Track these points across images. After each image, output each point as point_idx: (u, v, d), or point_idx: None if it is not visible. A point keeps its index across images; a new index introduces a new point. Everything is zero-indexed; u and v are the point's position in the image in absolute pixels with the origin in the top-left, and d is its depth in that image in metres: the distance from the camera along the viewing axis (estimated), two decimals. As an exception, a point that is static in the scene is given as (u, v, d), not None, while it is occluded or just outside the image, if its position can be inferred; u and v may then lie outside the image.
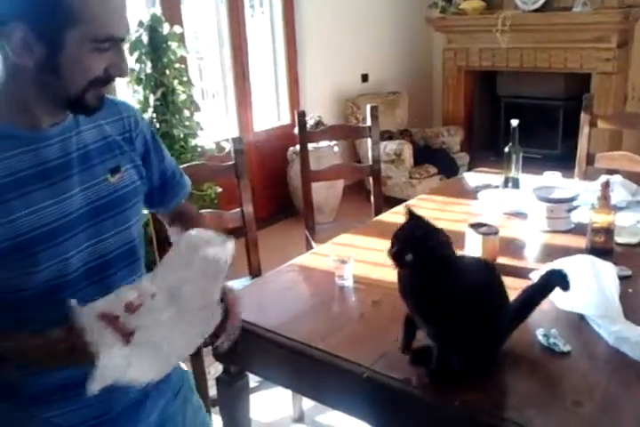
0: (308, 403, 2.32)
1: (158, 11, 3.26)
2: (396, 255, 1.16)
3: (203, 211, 2.14)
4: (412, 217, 1.20)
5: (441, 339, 1.20)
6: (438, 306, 1.17)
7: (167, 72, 3.17)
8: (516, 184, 2.35)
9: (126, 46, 3.15)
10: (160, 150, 1.23)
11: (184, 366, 1.34)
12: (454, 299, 1.16)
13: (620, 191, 2.14)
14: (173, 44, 3.19)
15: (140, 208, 1.15)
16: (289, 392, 2.26)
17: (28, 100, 0.96)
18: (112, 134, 1.10)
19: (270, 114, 4.57)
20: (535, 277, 1.61)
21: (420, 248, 1.14)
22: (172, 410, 1.23)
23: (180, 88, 3.25)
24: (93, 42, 0.91)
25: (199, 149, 3.36)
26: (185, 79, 3.29)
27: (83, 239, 1.02)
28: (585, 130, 2.64)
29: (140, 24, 3.11)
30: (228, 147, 2.31)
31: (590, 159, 2.63)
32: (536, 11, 4.58)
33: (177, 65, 3.24)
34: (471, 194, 2.37)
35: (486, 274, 1.27)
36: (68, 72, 0.92)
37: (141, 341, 0.90)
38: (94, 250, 1.04)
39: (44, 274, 0.96)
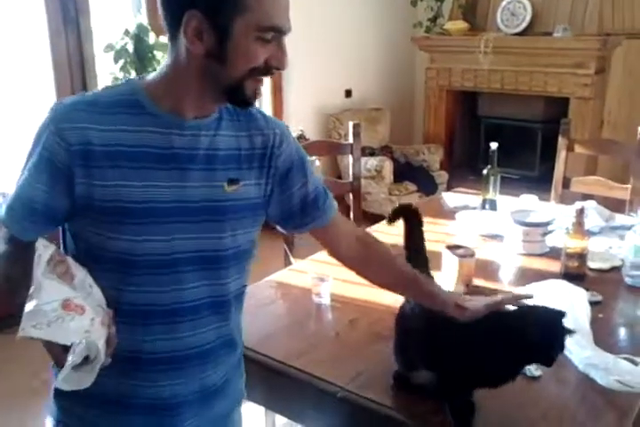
0: (281, 420, 2.31)
1: (145, 20, 3.27)
2: None
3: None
4: None
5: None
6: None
7: (152, 82, 3.17)
8: (493, 206, 2.39)
9: (111, 54, 3.17)
10: (305, 174, 1.22)
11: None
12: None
13: (594, 217, 2.18)
14: (159, 54, 3.19)
15: (250, 222, 1.15)
16: (262, 409, 2.25)
17: (187, 87, 1.00)
18: (250, 147, 1.11)
19: (253, 126, 4.57)
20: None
21: None
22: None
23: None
24: (258, 30, 0.95)
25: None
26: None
27: (192, 230, 1.04)
28: (562, 154, 2.69)
29: (126, 33, 3.11)
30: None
31: (566, 183, 2.68)
32: (518, 34, 4.66)
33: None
34: (449, 214, 2.40)
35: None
36: (232, 59, 0.97)
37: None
38: (199, 243, 1.06)
39: (145, 246, 1.01)
